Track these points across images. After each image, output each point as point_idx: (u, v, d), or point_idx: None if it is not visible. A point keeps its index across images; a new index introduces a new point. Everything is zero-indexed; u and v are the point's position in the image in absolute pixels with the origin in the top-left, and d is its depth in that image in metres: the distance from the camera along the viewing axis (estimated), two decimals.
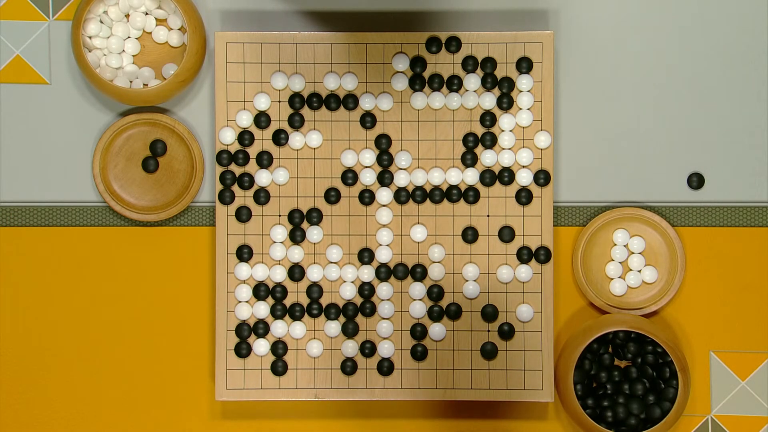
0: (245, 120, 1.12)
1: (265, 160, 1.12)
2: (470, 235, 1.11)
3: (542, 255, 1.11)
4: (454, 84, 1.11)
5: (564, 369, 1.08)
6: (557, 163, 1.14)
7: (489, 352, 1.11)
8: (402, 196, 1.12)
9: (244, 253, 1.11)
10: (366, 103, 1.12)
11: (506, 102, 1.11)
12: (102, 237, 1.14)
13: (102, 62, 1.11)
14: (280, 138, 1.12)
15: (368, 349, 1.11)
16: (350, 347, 1.11)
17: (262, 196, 1.12)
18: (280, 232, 1.12)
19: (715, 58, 1.14)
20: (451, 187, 1.12)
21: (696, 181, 1.14)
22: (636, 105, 1.14)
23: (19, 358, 1.14)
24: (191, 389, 1.14)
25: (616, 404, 1.10)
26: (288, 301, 1.12)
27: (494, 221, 1.12)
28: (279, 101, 1.12)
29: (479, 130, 1.12)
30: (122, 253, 1.14)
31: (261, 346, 1.11)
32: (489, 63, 1.11)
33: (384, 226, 1.12)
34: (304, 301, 1.12)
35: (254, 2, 1.14)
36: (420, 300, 1.12)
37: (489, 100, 1.12)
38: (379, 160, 1.12)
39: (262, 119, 1.12)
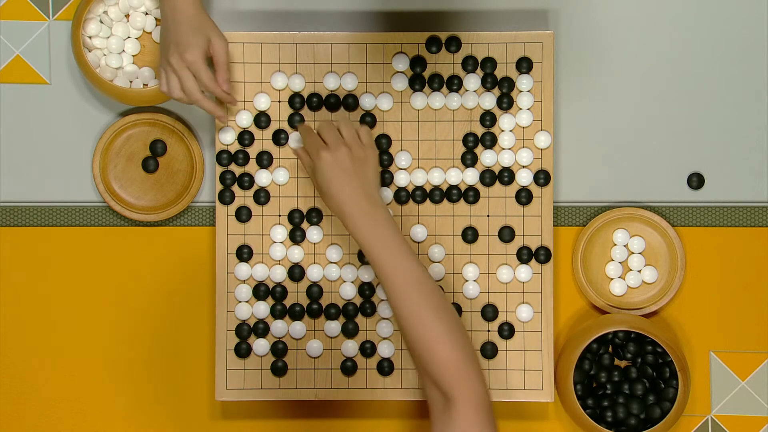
0: (245, 120, 1.12)
1: (265, 160, 1.12)
2: (470, 235, 1.11)
3: (542, 255, 1.11)
4: (454, 84, 1.11)
5: (564, 369, 1.08)
6: (557, 163, 1.13)
7: (489, 352, 1.11)
8: (402, 196, 1.12)
9: (244, 253, 1.11)
10: (366, 103, 1.12)
11: (506, 102, 1.11)
12: (102, 237, 1.14)
13: (102, 62, 1.11)
14: (280, 138, 1.12)
15: (368, 349, 1.11)
16: (350, 347, 1.11)
17: (262, 196, 1.12)
18: (280, 232, 1.12)
19: (715, 58, 1.14)
20: (451, 187, 1.11)
21: (696, 181, 1.14)
22: (636, 105, 1.14)
23: (19, 358, 1.13)
24: (191, 389, 1.14)
25: (616, 404, 1.10)
26: (288, 301, 1.12)
27: (494, 221, 1.12)
28: (279, 101, 1.12)
29: (479, 130, 1.12)
30: (122, 253, 1.14)
31: (261, 346, 1.11)
32: (489, 63, 1.11)
33: None
34: (304, 301, 1.12)
35: (254, 2, 1.13)
36: None
37: (489, 100, 1.12)
38: (379, 160, 1.12)
39: (262, 119, 1.12)
